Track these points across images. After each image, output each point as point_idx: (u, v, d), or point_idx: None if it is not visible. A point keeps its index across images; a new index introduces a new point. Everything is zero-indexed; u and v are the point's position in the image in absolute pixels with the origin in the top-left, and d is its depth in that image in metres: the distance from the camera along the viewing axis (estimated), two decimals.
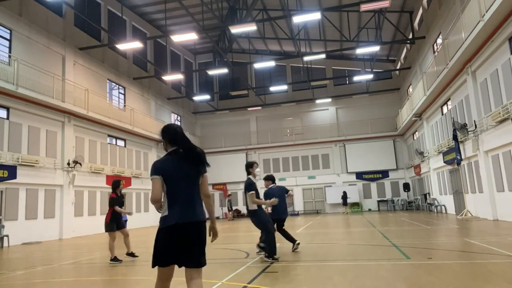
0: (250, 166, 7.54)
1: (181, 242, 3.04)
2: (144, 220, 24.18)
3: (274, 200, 7.61)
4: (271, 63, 25.23)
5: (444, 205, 21.01)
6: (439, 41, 19.29)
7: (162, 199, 3.15)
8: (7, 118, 15.69)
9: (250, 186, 7.17)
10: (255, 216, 7.27)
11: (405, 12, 23.45)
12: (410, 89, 26.59)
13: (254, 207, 7.18)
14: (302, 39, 27.64)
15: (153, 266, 3.06)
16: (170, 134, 3.27)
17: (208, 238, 3.28)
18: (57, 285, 6.18)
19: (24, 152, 16.14)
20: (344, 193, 27.93)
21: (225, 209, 32.44)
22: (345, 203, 27.85)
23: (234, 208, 31.13)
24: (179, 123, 32.28)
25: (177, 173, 3.13)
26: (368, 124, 30.99)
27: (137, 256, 8.55)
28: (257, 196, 7.25)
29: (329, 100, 31.62)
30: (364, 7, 17.68)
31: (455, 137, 15.98)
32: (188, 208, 3.11)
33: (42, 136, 17.33)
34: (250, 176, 7.39)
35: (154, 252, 3.06)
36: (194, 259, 3.08)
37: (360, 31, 24.24)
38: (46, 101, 16.72)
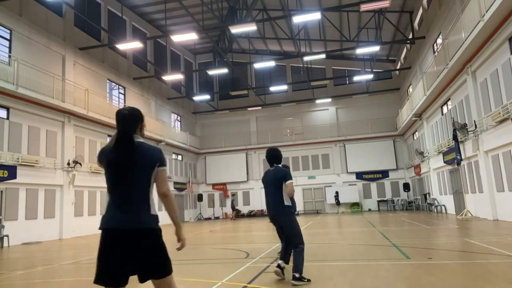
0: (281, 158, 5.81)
1: (120, 253, 2.42)
2: None
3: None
4: (271, 63, 25.23)
5: (444, 205, 21.01)
6: (439, 41, 19.29)
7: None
8: (7, 118, 15.69)
9: (288, 175, 5.59)
10: (293, 215, 5.61)
11: (405, 12, 23.45)
12: (410, 89, 26.59)
13: (289, 202, 5.64)
14: (302, 39, 27.64)
15: (94, 282, 2.46)
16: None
17: (174, 246, 2.69)
18: (57, 285, 6.18)
19: (24, 152, 16.14)
20: (336, 193, 28.77)
21: (225, 209, 32.48)
22: (338, 203, 28.51)
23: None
24: (179, 123, 32.28)
25: (114, 165, 2.55)
26: (368, 124, 30.99)
27: None
28: None
29: (329, 100, 31.62)
30: (364, 7, 17.68)
31: (455, 137, 15.98)
32: (125, 211, 2.48)
33: (42, 136, 17.32)
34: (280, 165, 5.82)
35: (96, 262, 2.49)
36: (148, 270, 2.46)
37: (360, 31, 24.24)
38: (46, 101, 16.72)
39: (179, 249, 2.78)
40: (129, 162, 2.52)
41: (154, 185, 2.65)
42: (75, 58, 19.89)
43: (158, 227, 2.57)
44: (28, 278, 6.92)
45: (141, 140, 2.67)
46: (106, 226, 2.46)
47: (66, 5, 18.51)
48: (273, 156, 5.63)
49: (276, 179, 5.42)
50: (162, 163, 2.66)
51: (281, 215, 5.36)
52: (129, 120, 2.67)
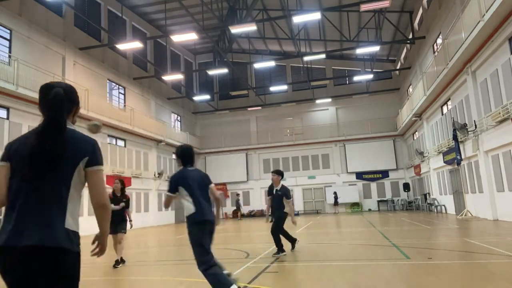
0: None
1: (17, 281, 1.73)
2: (144, 220, 24.20)
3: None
4: (271, 63, 25.23)
5: (444, 205, 21.01)
6: (439, 41, 19.28)
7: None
8: (7, 118, 15.69)
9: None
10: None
11: (405, 12, 23.44)
12: (410, 89, 26.59)
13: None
14: (302, 39, 27.63)
15: None
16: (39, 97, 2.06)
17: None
18: None
19: None
20: (335, 193, 28.67)
21: (225, 209, 32.45)
22: (336, 203, 28.42)
23: (234, 208, 31.11)
24: (179, 123, 32.29)
25: (26, 158, 1.89)
26: (368, 124, 30.98)
27: (116, 267, 7.67)
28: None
29: (329, 100, 31.61)
30: (364, 7, 17.68)
31: (455, 137, 15.98)
32: (27, 221, 1.77)
33: None
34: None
35: None
36: None
37: (360, 31, 24.23)
38: None
39: (96, 255, 2.19)
40: (50, 155, 1.86)
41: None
42: (75, 58, 19.88)
43: (75, 249, 1.83)
44: None
45: (72, 127, 2.05)
46: (1, 243, 1.75)
47: (66, 5, 18.50)
48: (192, 155, 4.85)
49: (203, 180, 4.62)
50: (94, 159, 1.92)
51: (214, 219, 4.58)
52: (64, 102, 2.03)
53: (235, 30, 19.10)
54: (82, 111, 18.96)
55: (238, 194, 30.90)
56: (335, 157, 31.67)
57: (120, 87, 24.21)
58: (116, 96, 23.88)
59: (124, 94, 24.55)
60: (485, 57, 13.80)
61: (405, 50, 27.71)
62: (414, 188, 28.73)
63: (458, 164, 16.19)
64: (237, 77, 33.10)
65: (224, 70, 25.53)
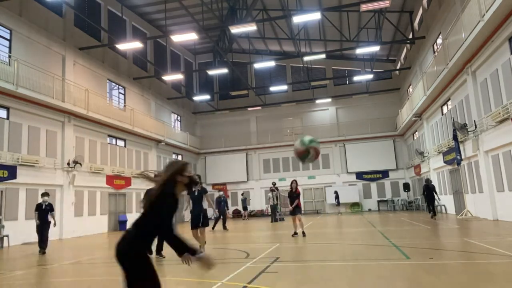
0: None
1: None
2: None
3: None
4: (271, 63, 25.22)
5: (444, 205, 21.02)
6: (439, 41, 19.29)
7: None
8: (7, 118, 15.68)
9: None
10: None
11: (405, 12, 23.44)
12: (410, 89, 26.59)
13: None
14: (302, 39, 27.62)
15: None
16: None
17: None
18: (57, 285, 6.18)
19: (24, 152, 16.13)
20: (336, 192, 27.62)
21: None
22: (338, 203, 27.39)
23: (234, 208, 31.06)
24: (179, 123, 32.29)
25: None
26: (368, 124, 30.97)
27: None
28: None
29: (329, 100, 31.61)
30: (364, 7, 17.68)
31: (455, 137, 15.98)
32: None
33: (42, 136, 17.32)
34: None
35: None
36: None
37: (360, 31, 24.23)
38: (46, 101, 16.71)
39: None
40: None
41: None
42: (75, 58, 19.88)
43: None
44: (28, 278, 6.92)
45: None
46: None
47: (66, 5, 18.51)
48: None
49: None
50: None
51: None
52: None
53: (235, 30, 19.11)
54: (82, 111, 19.06)
55: (243, 194, 30.45)
56: (335, 157, 31.66)
57: (120, 87, 24.21)
58: (116, 96, 23.88)
59: (124, 94, 24.54)
60: (485, 57, 13.80)
61: (405, 50, 27.71)
62: (414, 188, 28.73)
63: (458, 164, 16.19)
64: (237, 77, 33.07)
65: (224, 70, 25.52)
